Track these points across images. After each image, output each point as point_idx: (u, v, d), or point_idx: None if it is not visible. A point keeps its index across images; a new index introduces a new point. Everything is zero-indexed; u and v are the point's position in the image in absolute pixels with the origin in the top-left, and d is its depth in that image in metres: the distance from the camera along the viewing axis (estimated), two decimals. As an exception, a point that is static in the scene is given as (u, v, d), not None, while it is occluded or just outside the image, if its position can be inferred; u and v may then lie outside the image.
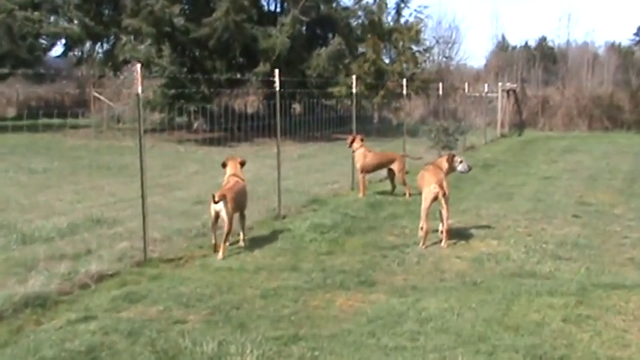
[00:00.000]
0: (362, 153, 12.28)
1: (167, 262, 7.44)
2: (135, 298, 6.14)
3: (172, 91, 22.47)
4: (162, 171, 15.32)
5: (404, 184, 12.14)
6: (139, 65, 7.48)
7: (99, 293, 6.32)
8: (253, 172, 15.33)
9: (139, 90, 7.43)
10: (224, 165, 8.63)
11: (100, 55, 29.20)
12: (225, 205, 7.71)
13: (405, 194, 12.04)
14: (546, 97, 33.91)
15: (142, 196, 7.58)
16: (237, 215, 8.19)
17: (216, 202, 7.68)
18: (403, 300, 6.15)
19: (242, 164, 8.65)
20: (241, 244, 8.27)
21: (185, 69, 23.77)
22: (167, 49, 23.22)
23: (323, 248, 8.18)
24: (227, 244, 7.84)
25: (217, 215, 7.80)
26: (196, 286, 6.53)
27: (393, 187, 12.38)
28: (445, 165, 8.83)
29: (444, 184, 8.31)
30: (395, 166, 12.26)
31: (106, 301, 6.06)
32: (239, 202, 8.11)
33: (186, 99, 22.77)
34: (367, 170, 12.28)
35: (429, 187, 8.28)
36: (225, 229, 7.73)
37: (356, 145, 12.35)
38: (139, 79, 7.40)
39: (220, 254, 7.64)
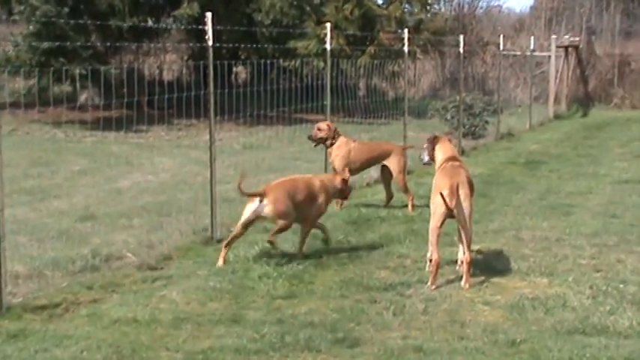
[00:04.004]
0: (342, 143, 12.29)
1: (36, 311, 7.35)
2: (-16, 367, 6.08)
3: (46, 45, 22.26)
4: (30, 169, 15.18)
5: (405, 190, 12.20)
6: (-8, 3, 7.41)
7: None
8: (173, 171, 15.30)
9: (-7, 42, 7.36)
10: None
11: None
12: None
13: (406, 206, 12.11)
14: (626, 57, 34.23)
15: (-3, 208, 7.51)
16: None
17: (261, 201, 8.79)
18: (402, 368, 6.17)
19: None
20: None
21: (66, 9, 23.57)
22: (37, -22, 23.01)
23: (279, 289, 8.17)
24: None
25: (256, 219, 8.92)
26: (82, 347, 6.46)
27: (389, 195, 12.44)
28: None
29: (463, 190, 8.35)
30: (392, 163, 12.29)
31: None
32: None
33: (68, 57, 22.56)
34: (351, 170, 12.26)
35: (439, 198, 8.30)
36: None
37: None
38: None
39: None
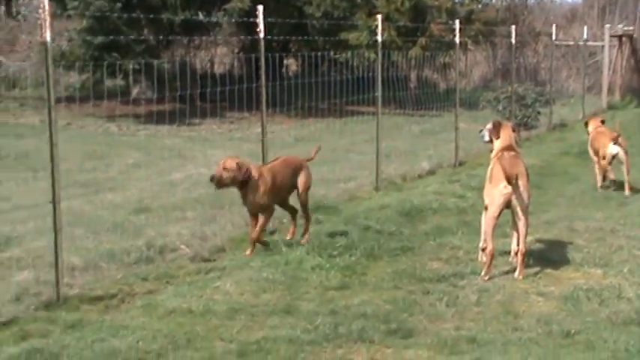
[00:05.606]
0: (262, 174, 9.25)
1: (92, 302, 7.46)
2: (42, 358, 6.13)
3: (99, 39, 22.48)
4: (85, 162, 15.35)
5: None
6: (47, -2, 7.48)
7: (-14, 350, 6.33)
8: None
9: (48, 37, 7.43)
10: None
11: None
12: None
13: (460, 196, 12.04)
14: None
15: (53, 201, 7.58)
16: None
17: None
18: (456, 359, 6.17)
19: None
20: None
21: (119, 4, 23.79)
22: (91, -27, 23.24)
23: (332, 280, 8.20)
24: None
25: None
26: (138, 338, 6.53)
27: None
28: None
29: (522, 181, 8.29)
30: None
31: (-2, 362, 6.09)
32: None
33: (121, 51, 22.77)
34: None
35: (498, 188, 8.27)
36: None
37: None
38: (47, 20, 7.40)
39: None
